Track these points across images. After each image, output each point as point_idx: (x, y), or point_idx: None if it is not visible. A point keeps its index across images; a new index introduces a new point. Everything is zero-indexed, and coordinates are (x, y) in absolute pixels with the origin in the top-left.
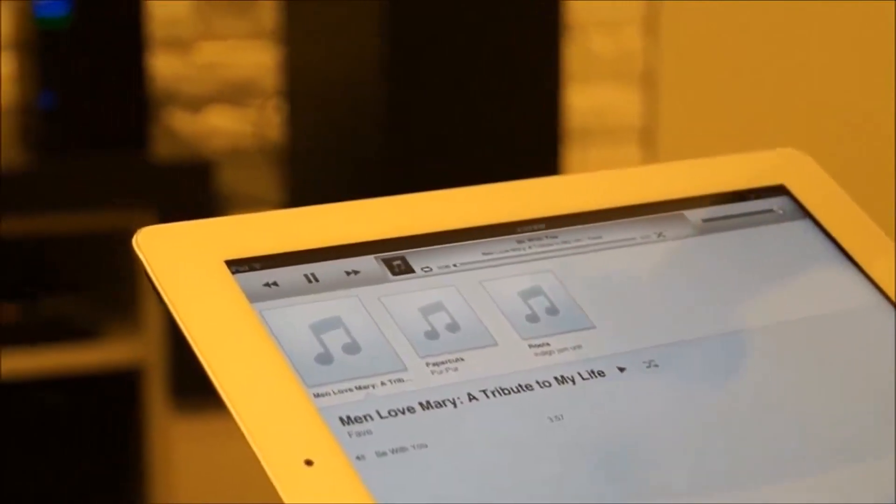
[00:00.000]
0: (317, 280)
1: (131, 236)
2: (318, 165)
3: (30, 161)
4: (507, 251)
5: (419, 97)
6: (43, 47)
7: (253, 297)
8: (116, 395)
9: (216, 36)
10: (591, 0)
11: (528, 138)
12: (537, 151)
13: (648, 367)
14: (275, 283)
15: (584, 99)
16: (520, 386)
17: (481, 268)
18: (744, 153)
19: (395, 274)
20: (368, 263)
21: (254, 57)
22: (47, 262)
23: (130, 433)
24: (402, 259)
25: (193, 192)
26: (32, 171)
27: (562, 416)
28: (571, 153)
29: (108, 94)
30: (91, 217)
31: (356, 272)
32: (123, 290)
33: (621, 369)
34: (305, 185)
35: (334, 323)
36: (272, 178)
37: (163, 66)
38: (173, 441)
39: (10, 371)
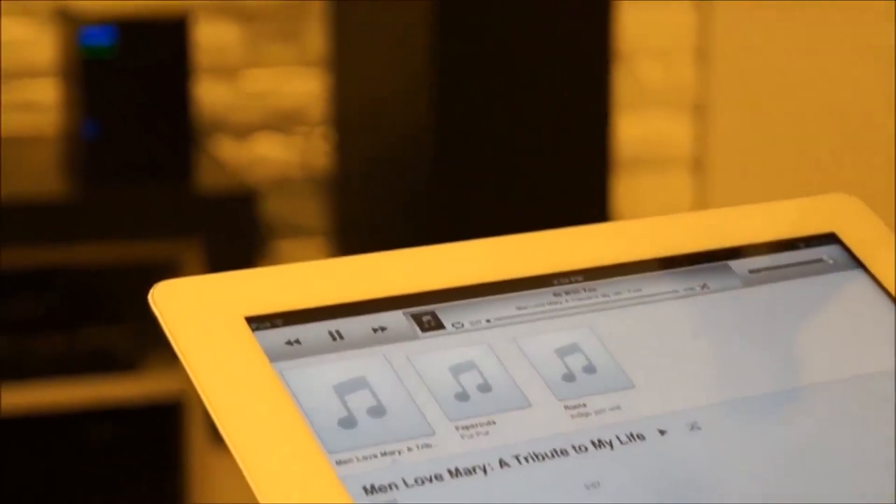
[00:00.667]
0: (342, 337)
1: (176, 267)
2: (365, 195)
3: (73, 190)
4: (542, 305)
5: (467, 125)
6: (87, 76)
7: (273, 356)
8: (157, 427)
9: (263, 63)
10: (641, 27)
11: (577, 167)
12: (586, 180)
13: (691, 429)
14: (297, 341)
15: (633, 128)
16: (554, 451)
17: (515, 323)
18: (791, 199)
19: (424, 330)
20: (396, 319)
21: (301, 85)
22: (90, 292)
23: (171, 466)
24: (432, 314)
25: (239, 222)
26: (75, 200)
27: (599, 482)
28: (621, 182)
29: (153, 124)
30: (135, 247)
31: (383, 329)
32: None
33: (662, 432)
34: (352, 215)
35: (359, 384)
36: (319, 208)
37: (209, 94)
38: (213, 474)
39: (51, 402)
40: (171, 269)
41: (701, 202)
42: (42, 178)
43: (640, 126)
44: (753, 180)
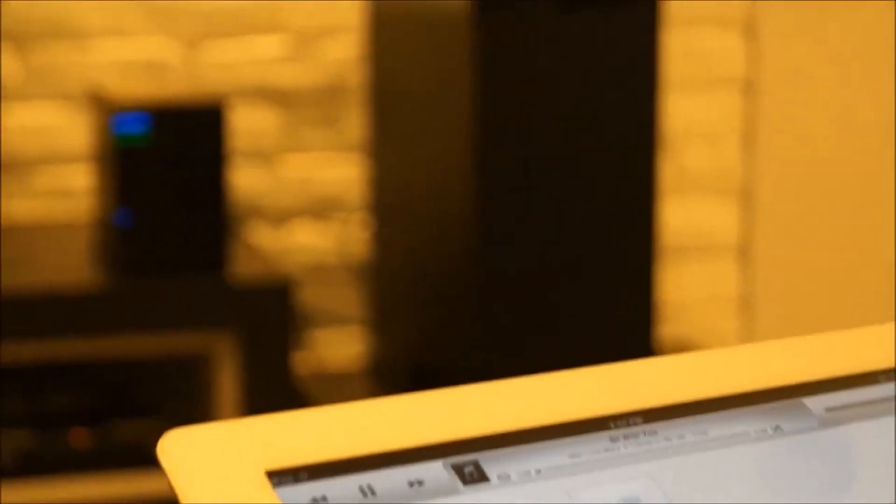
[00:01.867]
0: (374, 493)
1: (209, 359)
2: (404, 284)
3: (105, 280)
4: (598, 452)
5: (508, 213)
6: (121, 164)
7: None
8: None
9: (301, 149)
10: (687, 112)
11: (621, 255)
12: (632, 268)
13: None
14: (324, 498)
15: (679, 214)
16: None
17: (568, 474)
18: (869, 326)
19: (466, 483)
20: (435, 471)
21: (339, 171)
22: (122, 385)
23: None
24: (475, 464)
25: (274, 312)
26: (108, 291)
27: None
28: (666, 270)
29: (187, 213)
30: (168, 339)
31: (420, 482)
32: (199, 414)
33: None
34: (390, 304)
35: None
36: (356, 296)
37: (245, 180)
38: None
39: (82, 497)
40: (205, 361)
41: (748, 291)
42: (74, 267)
43: (685, 212)
44: (800, 269)
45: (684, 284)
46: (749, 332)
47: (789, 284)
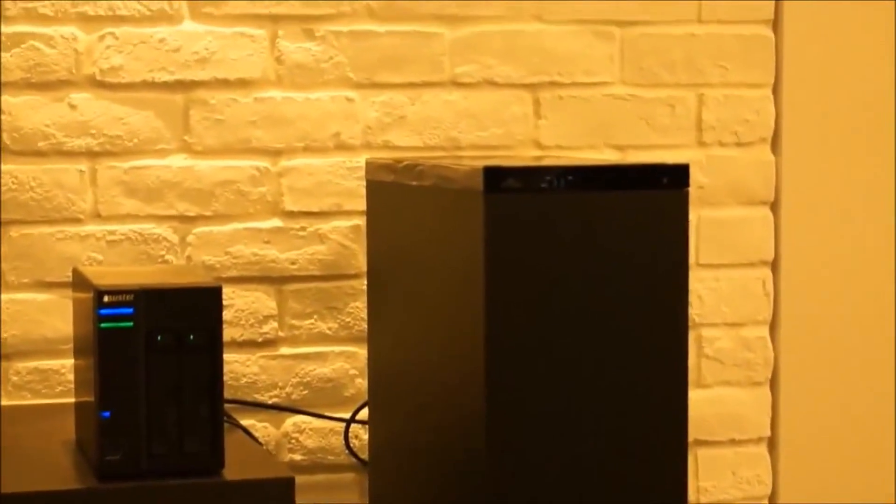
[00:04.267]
0: None
1: None
2: (408, 482)
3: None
4: None
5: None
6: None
7: None
8: None
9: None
10: (713, 299)
11: (651, 449)
12: (660, 465)
13: None
14: None
15: (706, 403)
16: None
17: None
18: None
19: None
20: None
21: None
22: None
23: None
24: None
25: None
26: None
27: None
28: (691, 459)
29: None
30: None
31: None
32: None
33: None
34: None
35: None
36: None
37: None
38: None
39: None
40: None
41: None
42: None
43: (713, 401)
44: (824, 457)
45: (712, 476)
46: None
47: (814, 474)
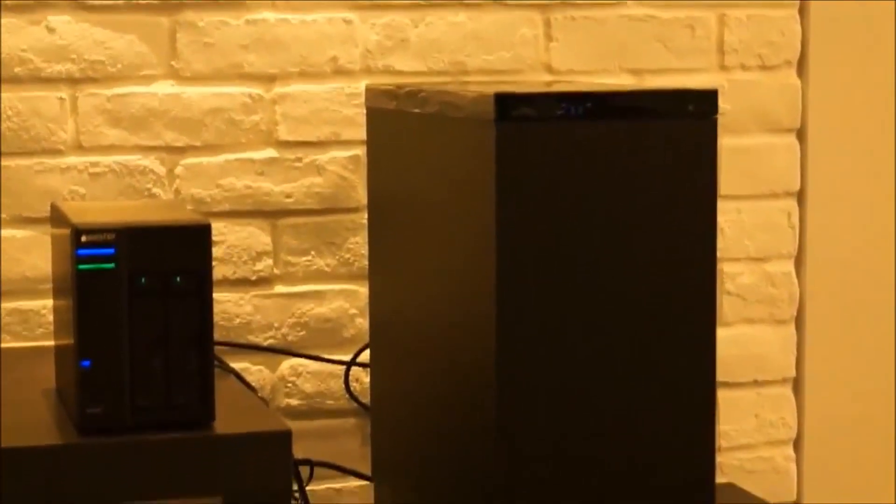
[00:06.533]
0: None
1: None
2: (413, 436)
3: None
4: None
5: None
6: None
7: None
8: None
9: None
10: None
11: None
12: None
13: None
14: None
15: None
16: None
17: None
18: None
19: None
20: None
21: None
22: None
23: None
24: None
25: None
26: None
27: None
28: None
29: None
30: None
31: None
32: None
33: None
34: (397, 458)
35: None
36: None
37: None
38: None
39: None
40: None
41: None
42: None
43: (735, 340)
44: (852, 399)
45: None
46: None
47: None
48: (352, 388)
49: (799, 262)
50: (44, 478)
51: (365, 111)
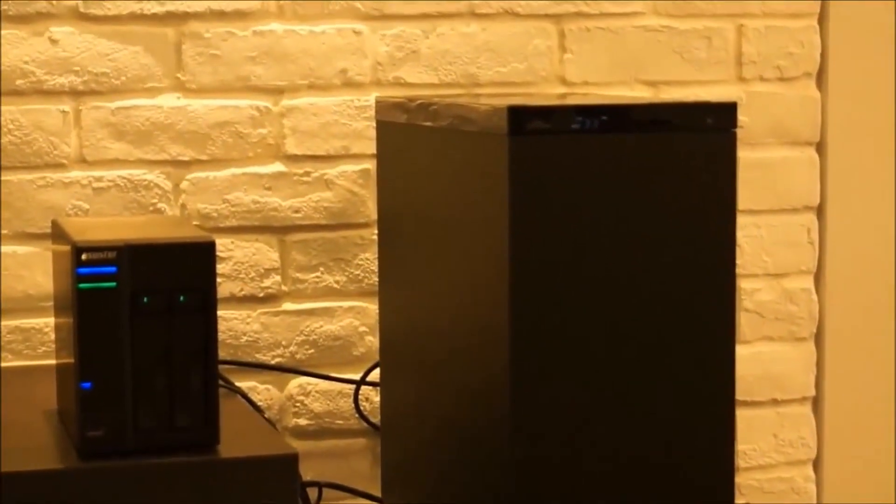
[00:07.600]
0: None
1: None
2: (423, 449)
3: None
4: None
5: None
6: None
7: None
8: None
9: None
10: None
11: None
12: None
13: None
14: None
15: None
16: None
17: None
18: None
19: None
20: None
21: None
22: None
23: None
24: None
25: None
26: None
27: None
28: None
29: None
30: None
31: None
32: None
33: None
34: (407, 473)
35: None
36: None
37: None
38: None
39: None
40: None
41: None
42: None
43: (753, 358)
44: (872, 418)
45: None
46: None
47: None
48: (361, 408)
49: (818, 279)
50: (44, 503)
51: (375, 124)
